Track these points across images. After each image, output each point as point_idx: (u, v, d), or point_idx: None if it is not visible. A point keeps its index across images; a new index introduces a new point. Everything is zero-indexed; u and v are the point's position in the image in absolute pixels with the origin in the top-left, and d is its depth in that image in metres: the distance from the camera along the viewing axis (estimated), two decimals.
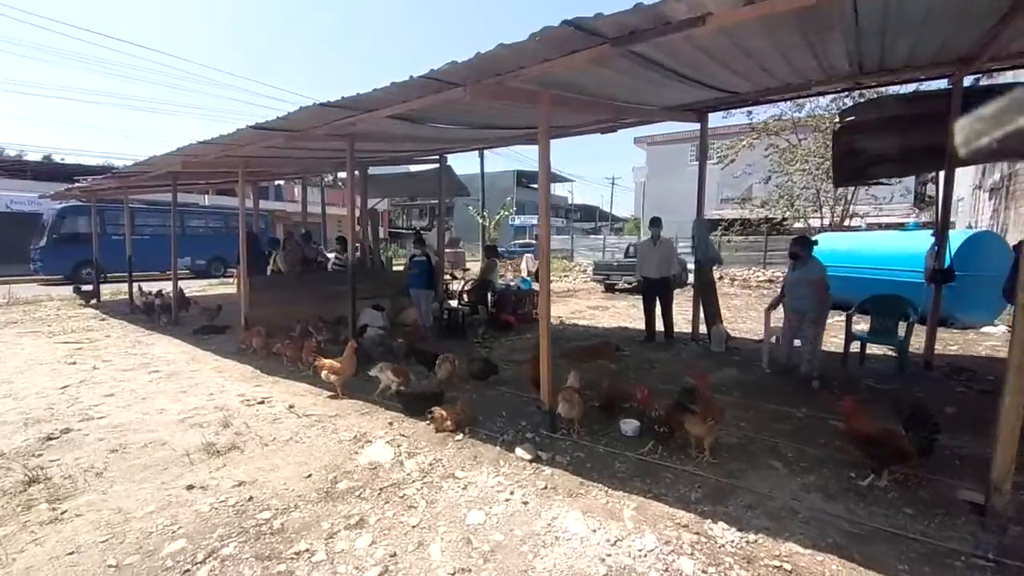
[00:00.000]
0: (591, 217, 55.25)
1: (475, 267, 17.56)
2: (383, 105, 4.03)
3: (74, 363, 6.04)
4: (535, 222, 47.76)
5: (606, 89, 4.43)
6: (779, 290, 5.60)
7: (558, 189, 56.47)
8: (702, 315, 7.03)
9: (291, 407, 4.50)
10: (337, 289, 8.85)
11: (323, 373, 4.71)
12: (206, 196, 23.91)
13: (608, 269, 15.81)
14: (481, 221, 25.78)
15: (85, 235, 15.28)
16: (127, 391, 4.98)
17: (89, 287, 11.27)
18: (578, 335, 7.94)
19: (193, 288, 13.58)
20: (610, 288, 15.35)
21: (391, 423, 4.11)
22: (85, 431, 3.98)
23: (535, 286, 10.10)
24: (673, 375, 5.45)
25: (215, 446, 3.66)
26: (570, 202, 56.79)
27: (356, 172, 11.56)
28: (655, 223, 7.17)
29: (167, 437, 3.88)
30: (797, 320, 5.26)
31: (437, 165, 10.19)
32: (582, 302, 12.74)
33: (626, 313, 10.72)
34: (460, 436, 3.80)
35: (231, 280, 17.17)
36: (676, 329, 7.14)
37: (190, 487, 3.10)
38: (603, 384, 4.18)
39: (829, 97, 15.72)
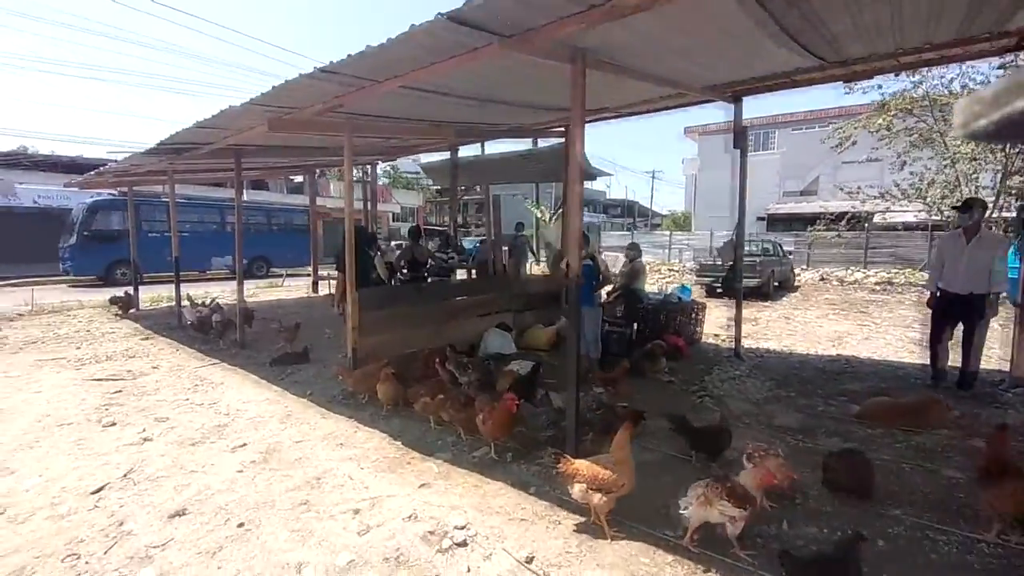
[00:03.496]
0: (629, 213, 52.41)
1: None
2: None
3: (113, 424, 3.94)
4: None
5: None
6: None
7: (596, 183, 53.58)
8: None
9: (529, 561, 2.30)
10: (459, 304, 6.70)
11: (576, 488, 2.48)
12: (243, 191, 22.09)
13: (715, 271, 13.58)
14: (538, 215, 23.32)
15: (118, 232, 13.70)
16: (207, 502, 2.82)
17: (125, 291, 9.29)
18: (799, 368, 5.60)
19: None
20: (712, 292, 13.31)
21: None
22: None
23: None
24: None
25: None
26: (607, 196, 53.98)
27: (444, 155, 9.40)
28: (969, 206, 4.62)
29: None
30: None
31: (560, 140, 7.96)
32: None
33: (787, 327, 8.33)
34: None
35: (280, 283, 15.21)
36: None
37: None
38: None
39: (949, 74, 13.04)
